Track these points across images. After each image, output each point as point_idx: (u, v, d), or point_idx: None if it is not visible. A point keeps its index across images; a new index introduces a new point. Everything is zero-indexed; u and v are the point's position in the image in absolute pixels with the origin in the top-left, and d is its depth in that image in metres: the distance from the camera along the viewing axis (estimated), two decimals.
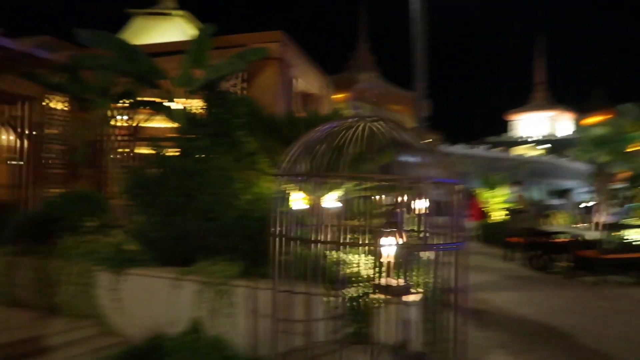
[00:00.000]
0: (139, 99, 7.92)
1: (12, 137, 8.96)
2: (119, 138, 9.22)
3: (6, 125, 8.71)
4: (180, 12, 20.34)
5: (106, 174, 9.22)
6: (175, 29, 19.21)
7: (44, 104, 9.13)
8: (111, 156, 8.38)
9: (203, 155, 6.09)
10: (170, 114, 7.25)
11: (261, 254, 5.35)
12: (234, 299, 5.12)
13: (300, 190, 4.12)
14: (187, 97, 7.25)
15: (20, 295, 6.31)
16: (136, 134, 9.50)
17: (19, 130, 8.62)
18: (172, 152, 6.34)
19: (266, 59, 8.12)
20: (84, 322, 5.71)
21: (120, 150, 9.16)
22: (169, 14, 20.33)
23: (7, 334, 5.16)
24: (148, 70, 7.01)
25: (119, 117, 8.48)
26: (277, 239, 3.67)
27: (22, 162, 8.64)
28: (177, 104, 7.20)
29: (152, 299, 5.56)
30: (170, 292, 5.39)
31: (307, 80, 10.48)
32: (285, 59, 8.74)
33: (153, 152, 6.61)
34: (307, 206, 4.11)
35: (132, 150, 9.55)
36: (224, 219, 5.58)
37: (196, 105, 7.24)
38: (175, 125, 6.95)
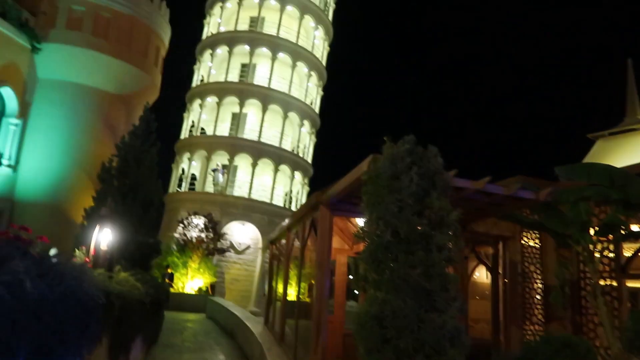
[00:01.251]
0: (631, 227, 6.77)
1: (486, 274, 9.33)
2: (605, 275, 8.03)
3: (481, 264, 9.16)
4: None
5: (591, 317, 8.10)
6: None
7: (518, 242, 9.21)
8: (596, 297, 7.27)
9: None
10: None
11: None
12: None
13: None
14: None
15: None
16: (627, 269, 8.04)
17: (495, 268, 8.86)
18: None
19: None
20: None
21: (607, 289, 7.90)
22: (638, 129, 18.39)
23: None
24: None
25: (602, 252, 7.48)
26: None
27: (497, 300, 8.70)
28: None
29: None
30: None
31: None
32: None
33: None
34: None
35: (623, 289, 8.07)
36: None
37: None
38: None
